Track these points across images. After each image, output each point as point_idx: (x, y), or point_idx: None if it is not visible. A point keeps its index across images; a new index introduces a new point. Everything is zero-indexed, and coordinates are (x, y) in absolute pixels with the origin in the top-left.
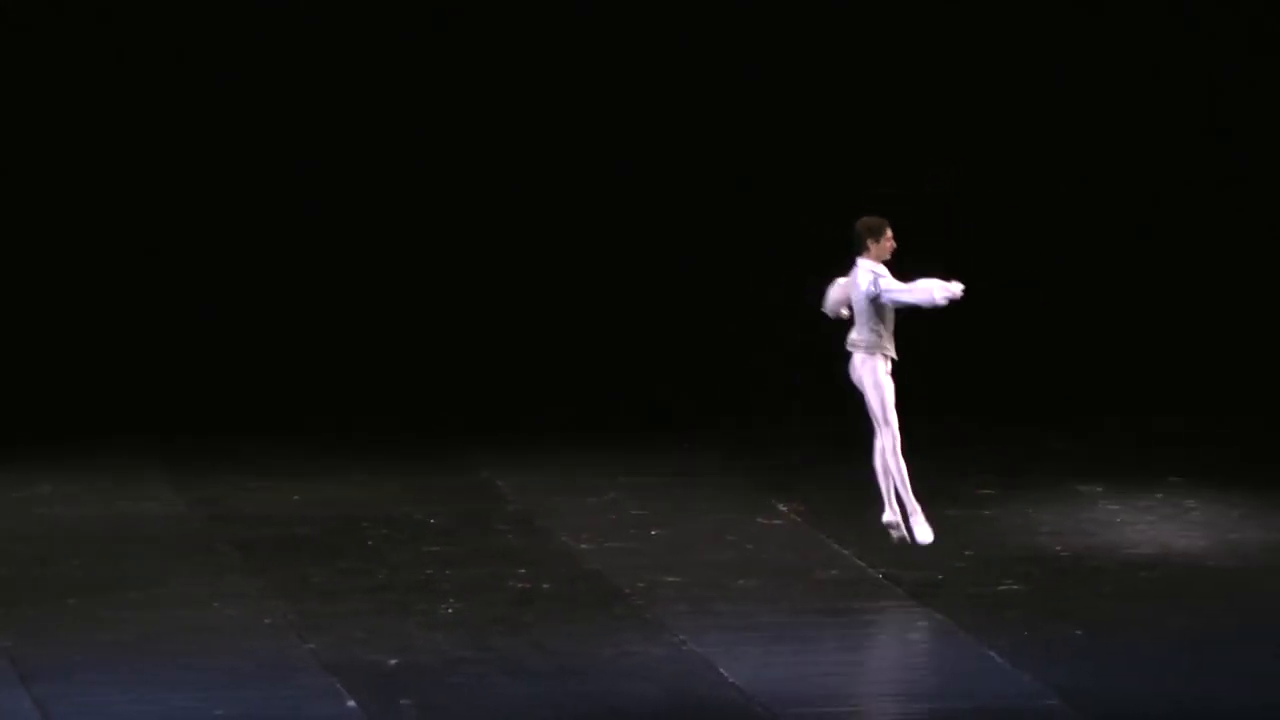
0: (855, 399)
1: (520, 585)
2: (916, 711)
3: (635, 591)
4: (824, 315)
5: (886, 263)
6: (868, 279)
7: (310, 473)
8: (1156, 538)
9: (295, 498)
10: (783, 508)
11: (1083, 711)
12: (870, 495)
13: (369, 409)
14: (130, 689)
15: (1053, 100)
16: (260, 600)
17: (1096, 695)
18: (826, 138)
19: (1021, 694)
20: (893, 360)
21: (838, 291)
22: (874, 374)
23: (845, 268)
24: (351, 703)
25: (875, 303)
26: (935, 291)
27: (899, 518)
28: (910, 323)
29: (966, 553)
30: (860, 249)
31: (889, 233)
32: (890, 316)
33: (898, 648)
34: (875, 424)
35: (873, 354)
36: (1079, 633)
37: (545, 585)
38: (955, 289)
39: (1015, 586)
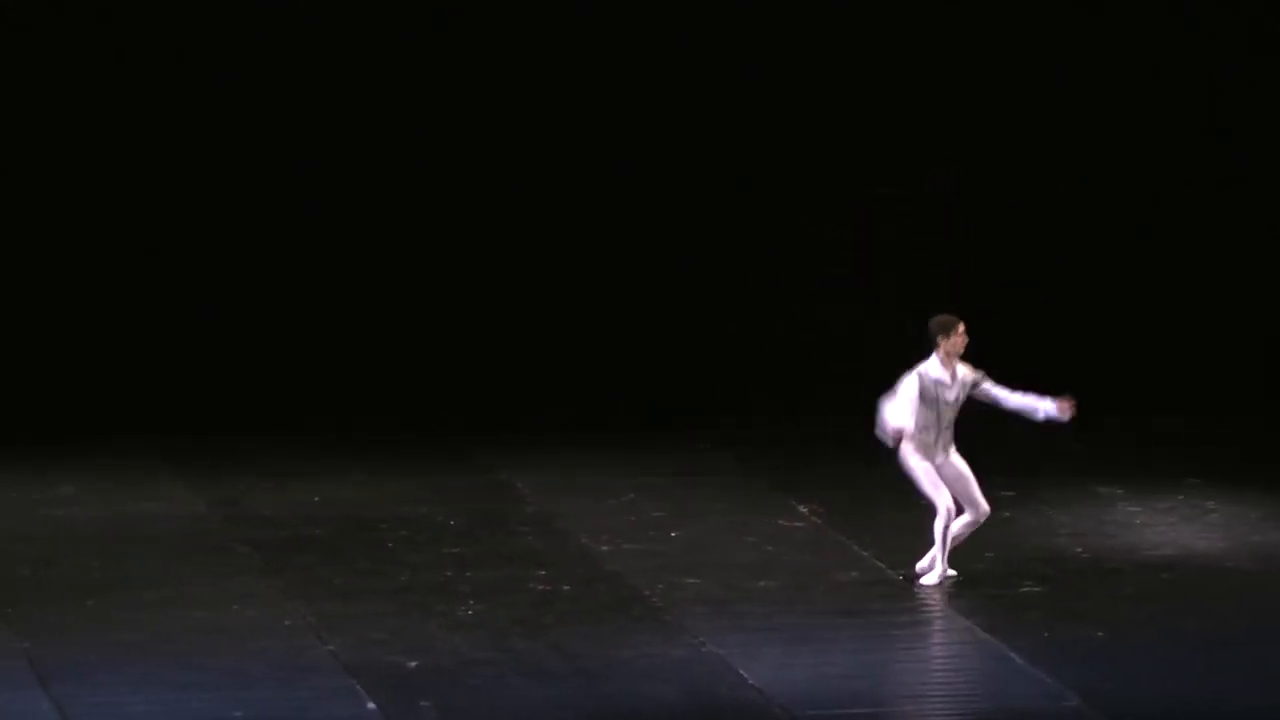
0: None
1: (539, 587)
2: (936, 712)
3: (654, 593)
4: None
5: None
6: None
7: (326, 474)
8: (1176, 539)
9: (315, 499)
10: (802, 509)
11: (1102, 712)
12: (882, 497)
13: (371, 409)
14: (149, 690)
15: (1053, 100)
16: (278, 601)
17: (1116, 696)
18: (826, 138)
19: (1041, 695)
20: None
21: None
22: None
23: (842, 264)
24: (371, 704)
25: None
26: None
27: (937, 578)
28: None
29: (986, 554)
30: (931, 346)
31: (961, 328)
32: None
33: (917, 649)
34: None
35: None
36: (1099, 634)
37: (564, 587)
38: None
39: (1035, 588)
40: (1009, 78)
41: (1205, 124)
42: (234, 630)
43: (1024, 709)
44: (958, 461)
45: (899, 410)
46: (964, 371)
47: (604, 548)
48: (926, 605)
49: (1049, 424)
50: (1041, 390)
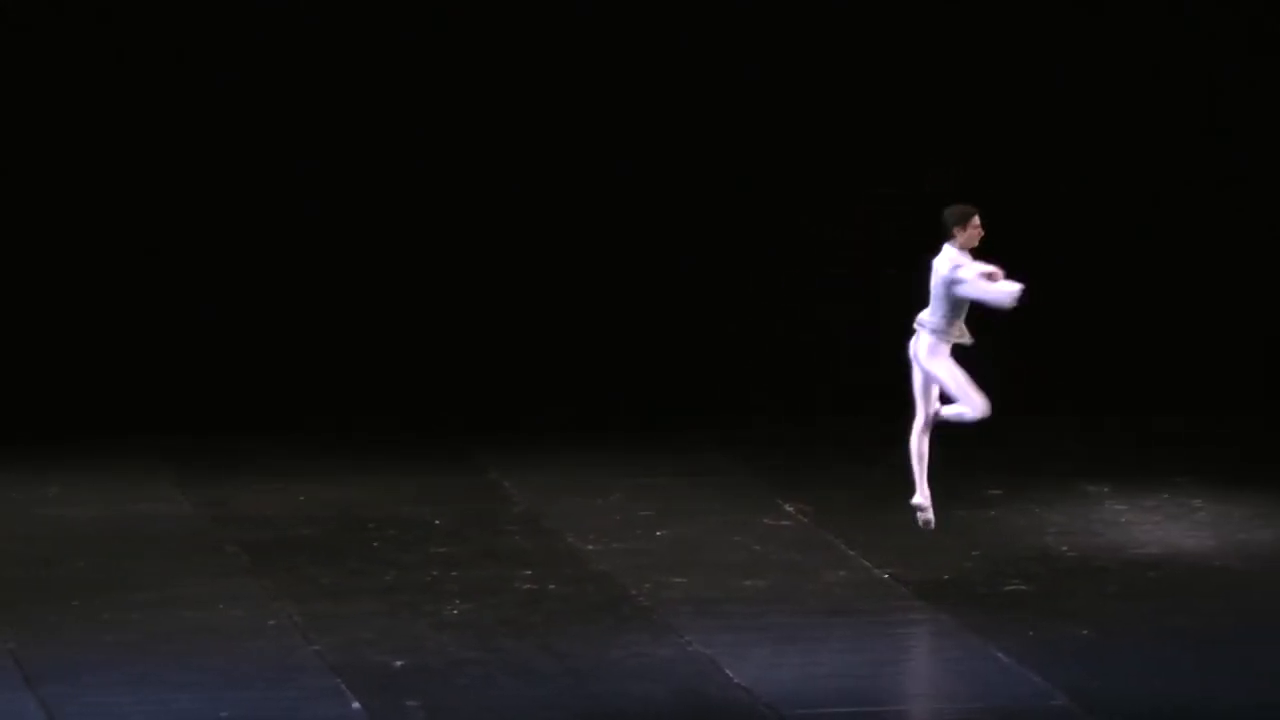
0: (904, 375)
1: (527, 586)
2: (924, 712)
3: (642, 592)
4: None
5: (973, 251)
6: (947, 265)
7: (314, 473)
8: (1163, 538)
9: (300, 498)
10: (789, 508)
11: (1090, 711)
12: (878, 496)
13: (371, 409)
14: (135, 690)
15: (1053, 100)
16: (266, 601)
17: (1103, 695)
18: (826, 138)
19: (1029, 694)
20: (959, 344)
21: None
22: (931, 353)
23: (847, 266)
24: (356, 704)
25: (949, 289)
26: (1005, 297)
27: (928, 500)
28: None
29: (974, 553)
30: (947, 235)
31: (976, 220)
32: (964, 305)
33: (905, 649)
34: (916, 404)
35: (937, 337)
36: (1086, 633)
37: (552, 586)
38: (1014, 288)
39: (1022, 586)
40: (1009, 77)
41: (1205, 124)
42: (222, 630)
43: (1011, 708)
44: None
45: (985, 282)
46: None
47: (592, 547)
48: (914, 605)
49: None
50: (1042, 388)
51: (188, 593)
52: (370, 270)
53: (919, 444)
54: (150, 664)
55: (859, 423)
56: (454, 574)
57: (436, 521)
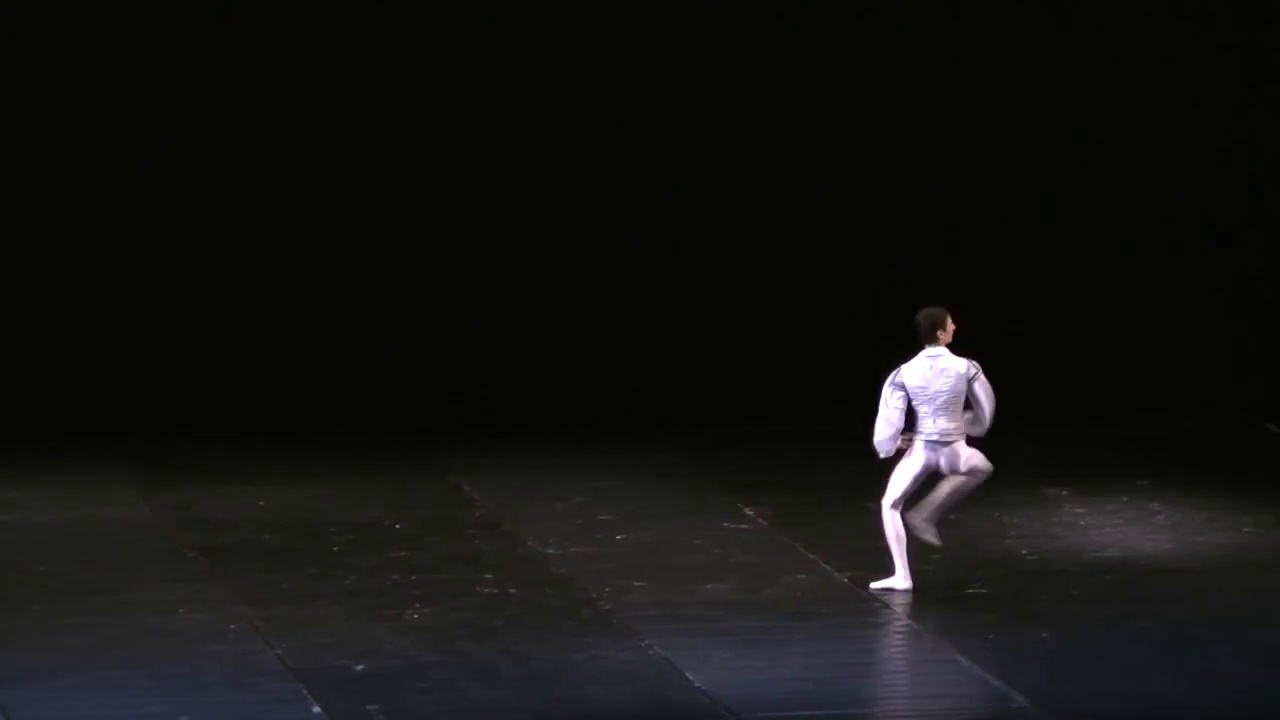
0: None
1: (488, 590)
2: (884, 715)
3: (603, 596)
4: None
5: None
6: (964, 365)
7: (275, 478)
8: (1123, 541)
9: (261, 503)
10: (749, 512)
11: (1050, 714)
12: (838, 500)
13: (333, 413)
14: (96, 695)
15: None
16: (226, 606)
17: (1064, 698)
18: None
19: (989, 697)
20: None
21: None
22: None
23: (804, 273)
24: (318, 709)
25: (971, 386)
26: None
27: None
28: (871, 329)
29: (934, 556)
30: (929, 340)
31: (948, 320)
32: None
33: (865, 652)
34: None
35: (958, 438)
36: (1046, 636)
37: (513, 590)
38: None
39: (983, 590)
40: (1005, 81)
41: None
42: (183, 635)
43: (972, 711)
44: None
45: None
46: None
47: (552, 551)
48: (874, 608)
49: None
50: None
51: (148, 597)
52: (330, 276)
53: (897, 523)
54: (111, 669)
55: (819, 427)
56: (415, 578)
57: (397, 526)
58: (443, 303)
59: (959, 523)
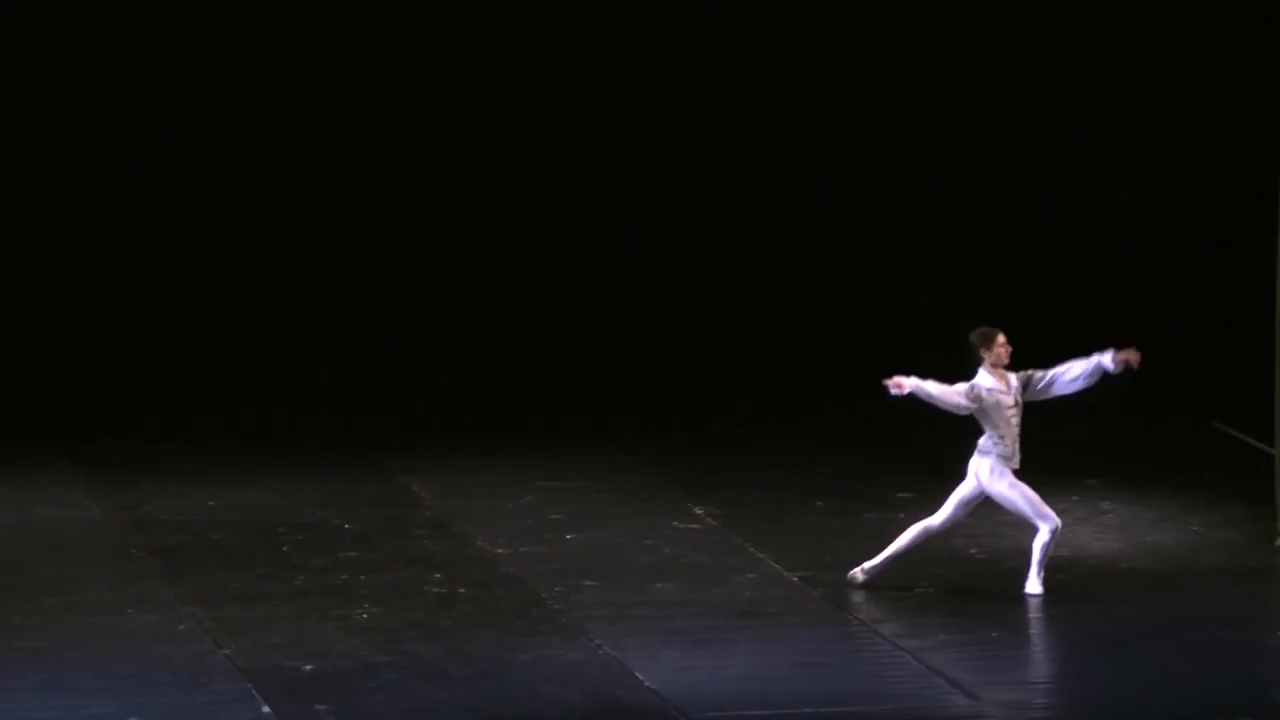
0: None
1: (437, 590)
2: (833, 714)
3: (553, 596)
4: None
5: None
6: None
7: (224, 478)
8: (1072, 540)
9: (210, 503)
10: (699, 511)
11: (1000, 713)
12: (787, 500)
13: (280, 413)
14: (46, 695)
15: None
16: (176, 606)
17: (1013, 696)
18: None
19: (937, 696)
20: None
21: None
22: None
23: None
24: (267, 709)
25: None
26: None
27: (865, 577)
28: (868, 330)
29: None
30: (976, 359)
31: (1001, 339)
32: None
33: (814, 651)
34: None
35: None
36: (995, 635)
37: (462, 590)
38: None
39: (931, 589)
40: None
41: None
42: (133, 635)
43: (921, 710)
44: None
45: (936, 386)
46: (1013, 379)
47: (502, 551)
48: (824, 608)
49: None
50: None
51: (98, 598)
52: (278, 277)
53: (915, 536)
54: (62, 669)
55: (770, 428)
56: (364, 578)
57: (346, 526)
58: (391, 304)
59: (909, 522)
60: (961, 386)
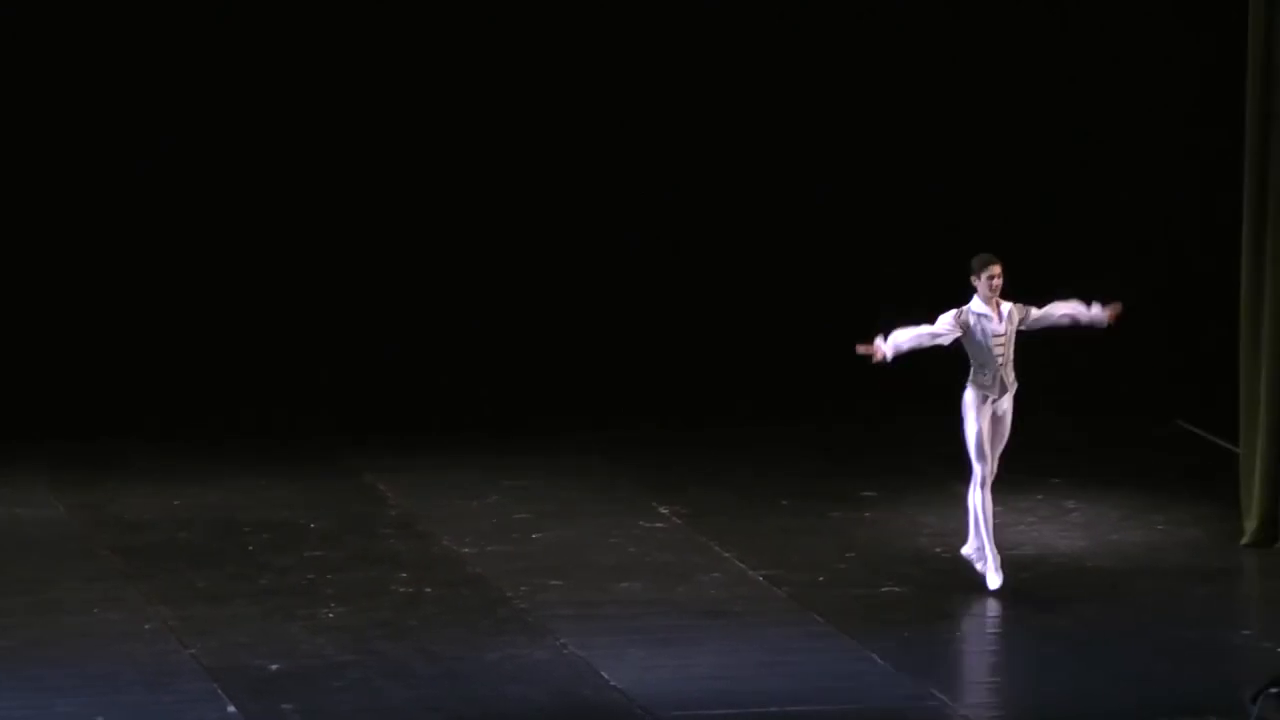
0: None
1: (403, 589)
2: (798, 714)
3: (518, 595)
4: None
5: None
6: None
7: (190, 477)
8: (1037, 539)
9: (176, 502)
10: (664, 510)
11: (964, 711)
12: (753, 498)
13: (248, 413)
14: (11, 694)
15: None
16: (141, 606)
17: (978, 696)
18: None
19: (902, 695)
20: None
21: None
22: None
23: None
24: (233, 708)
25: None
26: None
27: (977, 553)
28: (804, 327)
29: (848, 555)
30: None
31: (993, 270)
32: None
33: (780, 651)
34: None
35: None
36: (960, 633)
37: (428, 589)
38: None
39: (897, 589)
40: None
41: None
42: (99, 635)
43: (886, 709)
44: (1006, 419)
45: (905, 333)
46: (1009, 308)
47: (467, 550)
48: (789, 607)
49: (1090, 327)
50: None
51: (63, 597)
52: (244, 274)
53: (983, 501)
54: (26, 668)
55: (737, 429)
56: (330, 577)
57: (312, 525)
58: (355, 302)
59: (874, 522)
60: (951, 312)
